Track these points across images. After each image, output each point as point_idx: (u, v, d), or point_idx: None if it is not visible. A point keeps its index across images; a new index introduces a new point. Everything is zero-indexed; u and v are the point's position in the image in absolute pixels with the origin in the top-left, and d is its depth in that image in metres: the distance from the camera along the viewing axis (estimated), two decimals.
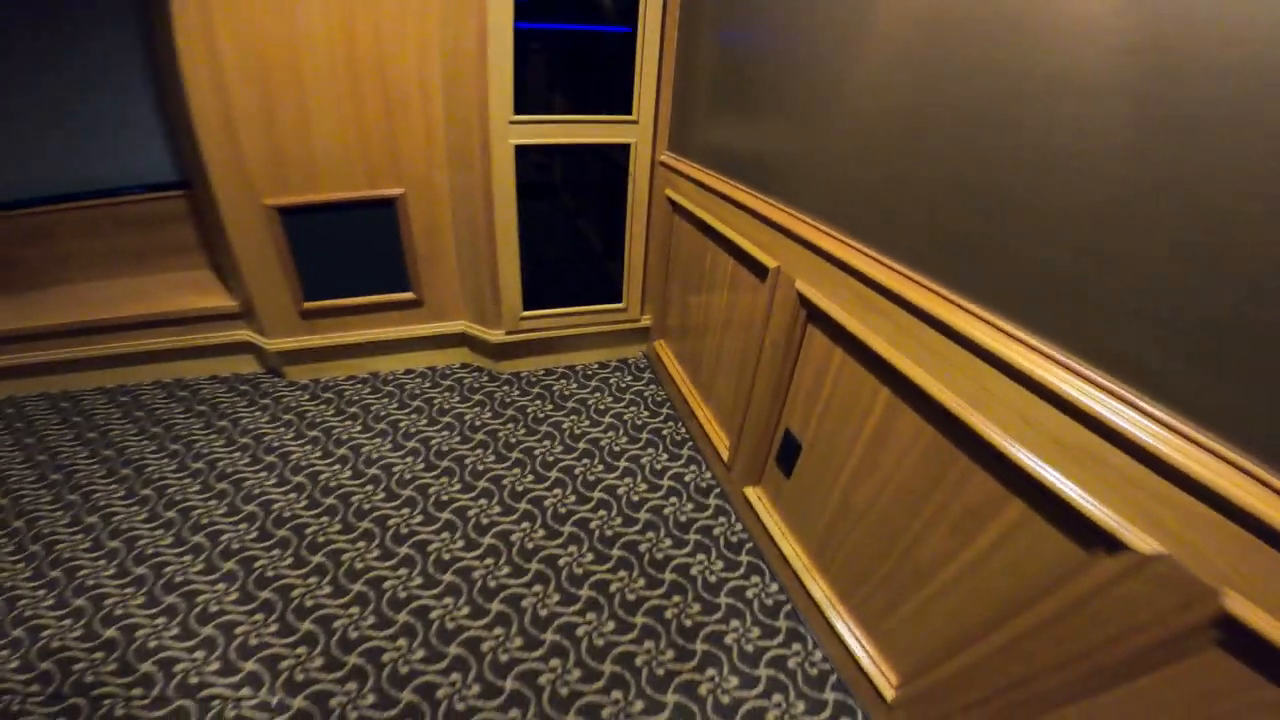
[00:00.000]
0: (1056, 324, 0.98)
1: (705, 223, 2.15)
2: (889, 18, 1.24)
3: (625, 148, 2.55)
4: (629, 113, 2.49)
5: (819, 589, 1.67)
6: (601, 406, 2.66)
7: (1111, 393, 0.89)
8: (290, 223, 2.53)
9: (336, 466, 2.31)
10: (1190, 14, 0.75)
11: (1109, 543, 0.89)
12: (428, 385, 2.78)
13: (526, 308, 2.77)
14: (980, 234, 1.09)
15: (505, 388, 2.78)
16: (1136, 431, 0.84)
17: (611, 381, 2.82)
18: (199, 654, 1.67)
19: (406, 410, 2.63)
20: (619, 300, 2.88)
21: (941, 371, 1.17)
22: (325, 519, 2.09)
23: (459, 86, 2.40)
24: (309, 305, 2.70)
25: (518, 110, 2.39)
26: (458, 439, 2.46)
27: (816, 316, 1.55)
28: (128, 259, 3.14)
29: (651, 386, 2.78)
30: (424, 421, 2.56)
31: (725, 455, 2.14)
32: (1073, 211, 0.92)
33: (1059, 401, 0.95)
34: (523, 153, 2.46)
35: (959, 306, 1.14)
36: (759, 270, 1.80)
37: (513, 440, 2.46)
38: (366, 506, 2.14)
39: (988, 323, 1.08)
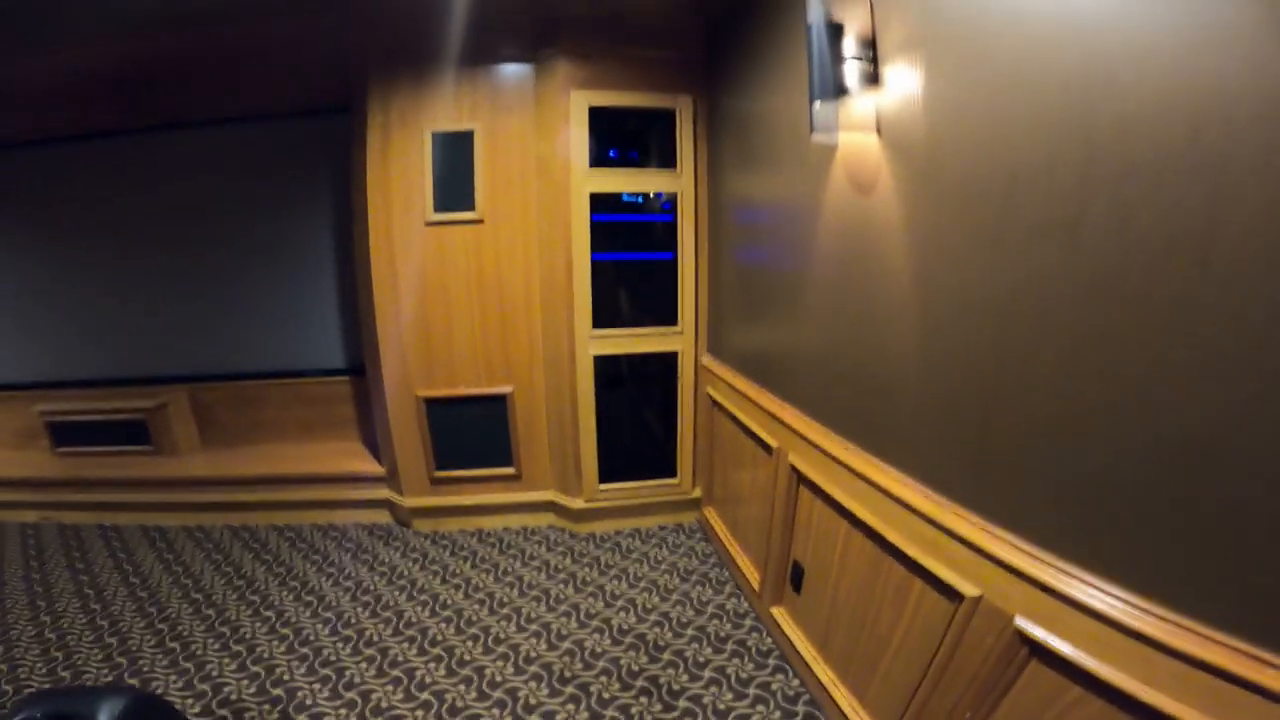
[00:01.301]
0: (909, 462, 1.69)
1: (734, 415, 2.90)
2: (820, 254, 2.08)
3: (674, 354, 3.37)
4: (675, 324, 3.35)
5: (825, 674, 2.15)
6: (659, 557, 3.24)
7: (940, 505, 1.56)
8: (432, 410, 3.41)
9: (451, 591, 2.96)
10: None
11: (954, 594, 1.49)
12: (521, 539, 3.44)
13: (602, 481, 3.46)
14: (868, 411, 1.87)
15: (583, 543, 3.40)
16: (961, 528, 1.48)
17: (668, 540, 3.41)
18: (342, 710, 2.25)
19: (506, 556, 3.28)
20: (674, 475, 3.55)
21: (870, 506, 1.83)
22: (443, 625, 2.71)
23: (553, 304, 3.32)
24: (438, 474, 3.50)
25: (595, 324, 3.27)
26: (544, 576, 3.08)
27: (804, 479, 2.23)
28: (301, 427, 4.11)
29: (702, 543, 3.35)
30: (518, 564, 3.20)
31: (756, 585, 2.68)
32: (910, 393, 1.65)
33: (921, 515, 1.60)
34: (600, 358, 3.29)
35: (870, 463, 1.85)
36: (767, 449, 2.53)
37: (588, 579, 3.05)
38: (474, 617, 2.76)
39: (882, 471, 1.79)
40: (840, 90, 1.77)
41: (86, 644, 2.63)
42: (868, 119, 1.77)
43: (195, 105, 3.61)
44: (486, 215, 3.24)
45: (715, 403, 3.18)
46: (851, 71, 1.76)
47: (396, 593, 2.95)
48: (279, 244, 3.92)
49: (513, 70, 3.17)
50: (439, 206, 3.21)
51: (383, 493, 3.66)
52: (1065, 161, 1.17)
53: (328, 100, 3.50)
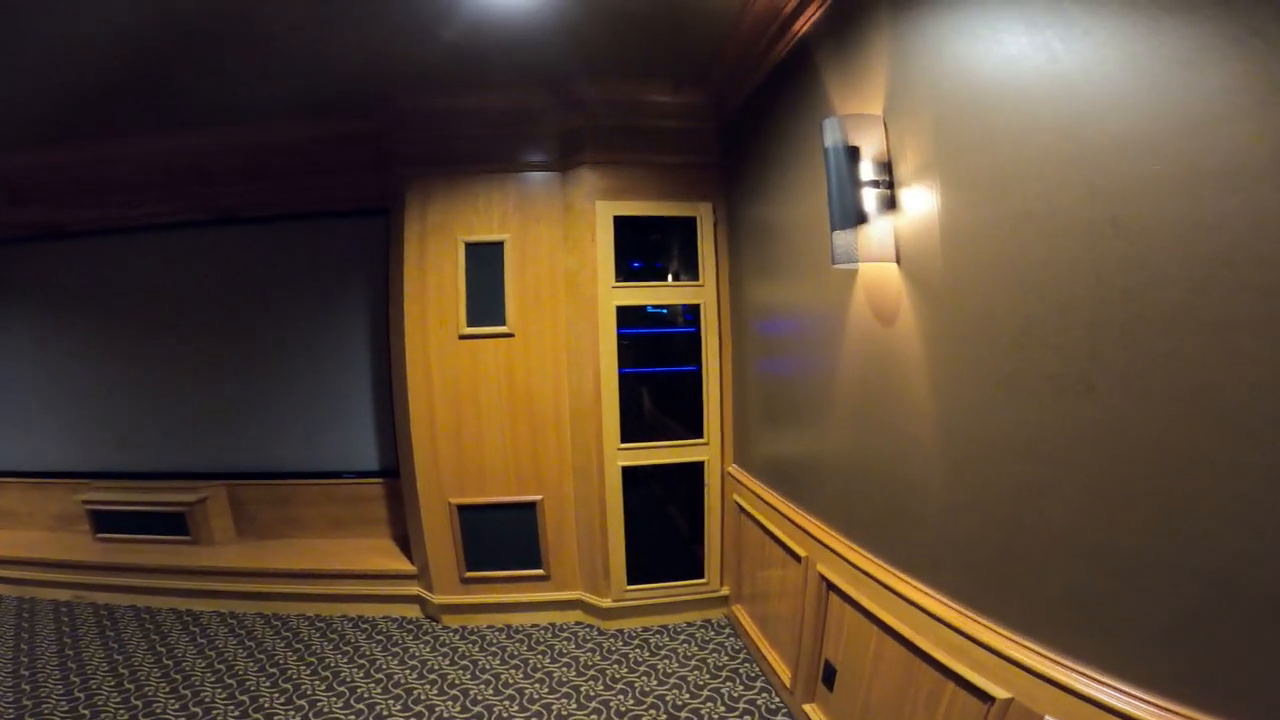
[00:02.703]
0: (935, 578, 1.81)
1: (762, 524, 3.00)
2: (844, 376, 2.22)
3: (701, 464, 3.48)
4: (700, 435, 3.47)
5: None
6: (688, 653, 3.26)
7: (960, 613, 1.68)
8: (464, 515, 3.53)
9: (481, 686, 3.00)
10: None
11: (985, 696, 1.58)
12: (550, 635, 3.48)
13: (630, 582, 3.51)
14: (894, 530, 1.99)
15: (612, 639, 3.42)
16: (988, 637, 1.59)
17: (697, 636, 3.44)
18: None
19: (535, 652, 3.31)
20: (702, 576, 3.59)
21: (900, 615, 1.93)
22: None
23: (582, 417, 3.46)
24: (469, 574, 3.58)
25: (624, 438, 3.39)
26: (573, 673, 3.11)
27: (833, 587, 2.33)
28: (332, 524, 4.23)
29: (731, 639, 3.38)
30: (548, 660, 3.23)
31: (788, 682, 2.71)
32: (934, 517, 1.79)
33: (949, 626, 1.71)
34: (628, 469, 3.41)
35: (898, 576, 1.96)
36: (795, 556, 2.63)
37: (617, 675, 3.08)
38: (504, 713, 2.79)
39: (909, 584, 1.90)
40: (860, 217, 1.85)
41: None
42: (887, 247, 1.84)
43: (245, 202, 3.88)
44: (517, 329, 3.43)
45: (742, 509, 3.27)
46: (869, 197, 1.84)
47: (427, 686, 2.99)
48: (317, 342, 4.16)
49: (541, 178, 3.42)
50: (471, 320, 3.41)
51: (413, 589, 3.72)
52: (1076, 306, 1.27)
53: (368, 202, 3.76)
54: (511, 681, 3.03)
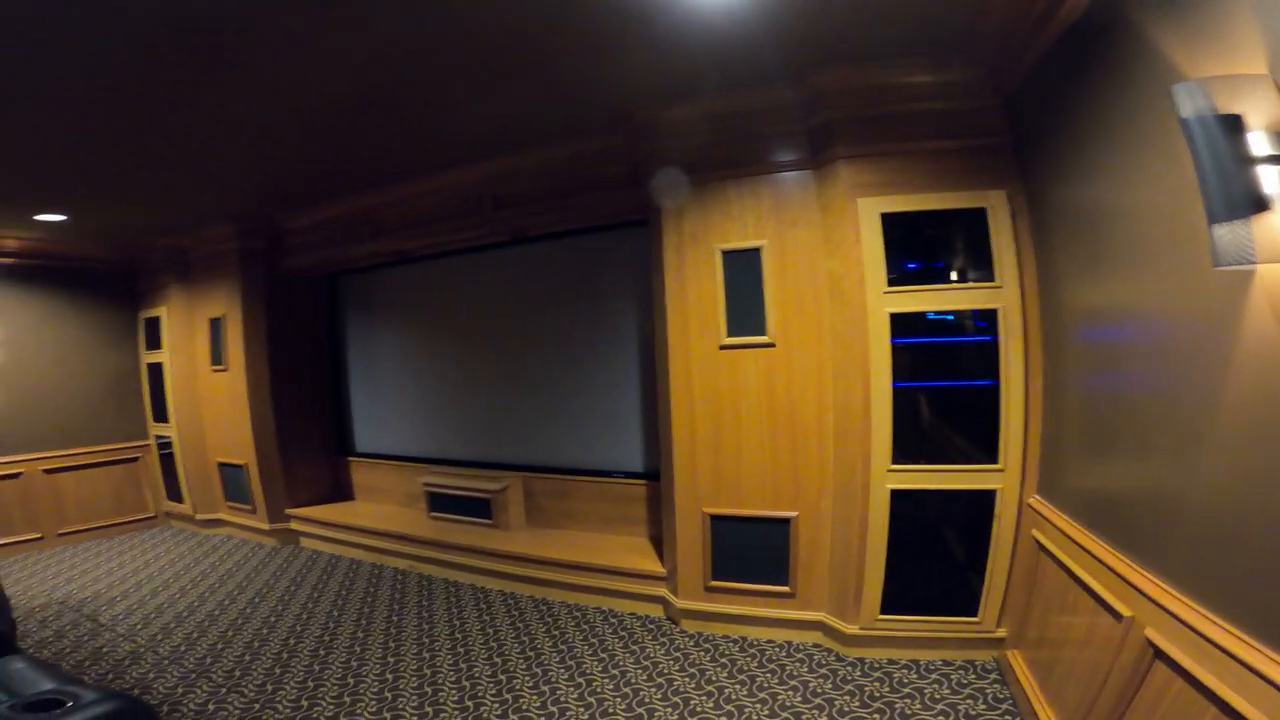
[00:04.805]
0: None
1: (1068, 568, 2.36)
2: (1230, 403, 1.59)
3: (991, 493, 2.89)
4: (995, 461, 2.89)
5: None
6: (936, 696, 2.74)
7: None
8: (716, 525, 3.46)
9: (702, 698, 2.88)
10: None
11: None
12: (782, 655, 3.23)
13: (883, 612, 3.10)
14: None
15: (849, 668, 3.05)
16: None
17: (953, 678, 2.87)
18: None
19: (764, 670, 3.10)
20: (974, 614, 3.01)
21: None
22: None
23: (847, 434, 3.13)
24: (713, 583, 3.50)
25: (895, 459, 2.98)
26: (799, 699, 2.82)
27: (1163, 656, 1.70)
28: (602, 520, 4.52)
29: (995, 686, 2.77)
30: (775, 680, 3.00)
31: None
32: None
33: None
34: (897, 493, 2.99)
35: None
36: (1113, 613, 2.00)
37: (847, 709, 2.71)
38: None
39: None
40: (1255, 204, 1.31)
41: (409, 688, 3.09)
42: None
43: (530, 221, 4.29)
44: (778, 339, 3.27)
45: (1043, 548, 2.64)
46: (1270, 176, 1.30)
47: (653, 690, 2.97)
48: (594, 350, 4.52)
49: (793, 178, 3.23)
50: (731, 330, 3.34)
51: (660, 590, 3.77)
52: None
53: (629, 215, 3.91)
54: (733, 697, 2.87)
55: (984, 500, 2.93)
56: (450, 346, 5.27)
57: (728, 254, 3.34)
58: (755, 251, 3.29)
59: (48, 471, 5.66)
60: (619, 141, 3.64)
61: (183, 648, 3.55)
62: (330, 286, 6.04)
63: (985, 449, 2.92)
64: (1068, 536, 2.41)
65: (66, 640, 3.66)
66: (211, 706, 2.93)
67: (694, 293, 3.42)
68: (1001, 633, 2.99)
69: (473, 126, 3.55)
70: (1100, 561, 2.13)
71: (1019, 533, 2.90)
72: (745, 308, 3.32)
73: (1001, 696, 2.71)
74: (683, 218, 3.43)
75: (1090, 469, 2.39)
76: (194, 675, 3.23)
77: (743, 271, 3.32)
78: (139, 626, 3.85)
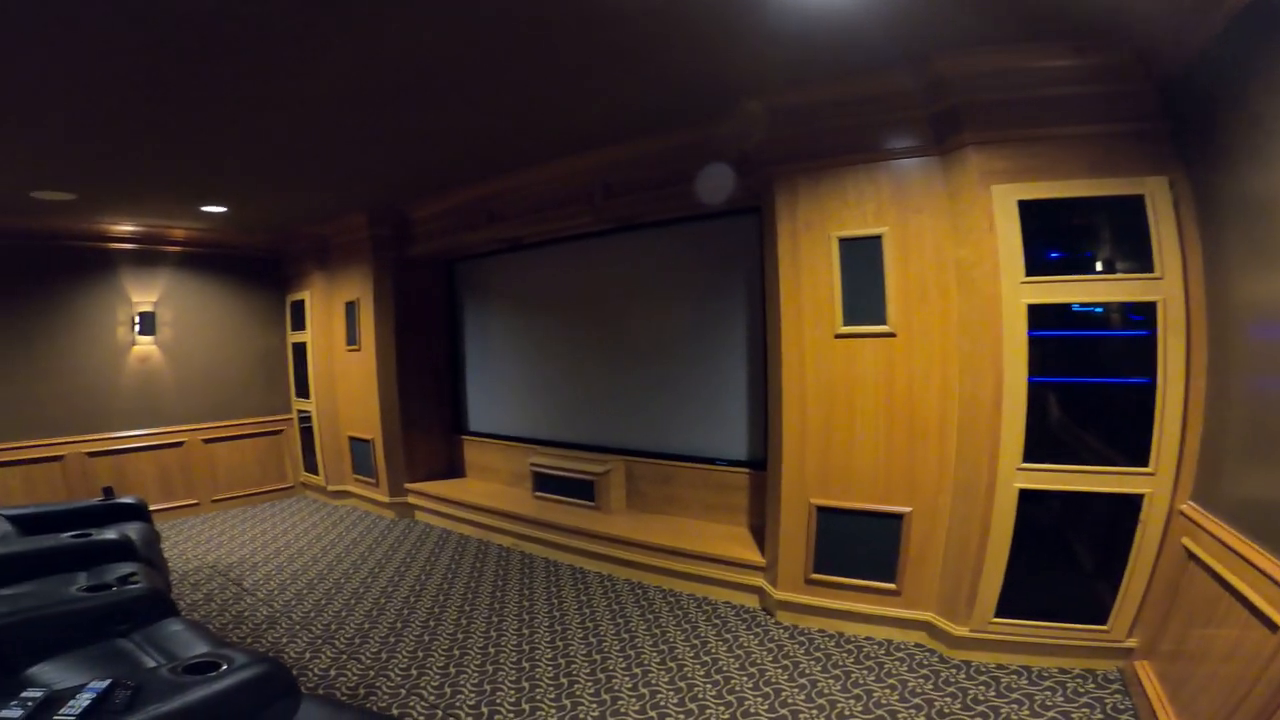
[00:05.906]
0: None
1: (1221, 577, 2.11)
2: None
3: (1138, 498, 2.63)
4: (1144, 464, 2.62)
5: None
6: (1047, 703, 2.56)
7: None
8: (822, 516, 3.34)
9: (794, 690, 2.81)
10: None
11: None
12: (881, 653, 3.08)
13: (997, 614, 2.88)
14: None
15: (953, 670, 2.87)
16: None
17: (1069, 686, 2.66)
18: None
19: (860, 667, 2.96)
20: (1103, 622, 2.76)
21: None
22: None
23: (973, 429, 2.94)
24: (814, 576, 3.38)
25: (1026, 456, 2.76)
26: (896, 698, 2.68)
27: None
28: (703, 507, 4.49)
29: (1117, 697, 2.56)
30: (871, 678, 2.86)
31: None
32: None
33: None
34: (1026, 492, 2.78)
35: None
36: (1270, 625, 1.79)
37: (947, 711, 2.56)
38: None
39: None
40: None
41: (509, 662, 3.17)
42: None
43: (637, 210, 4.30)
44: (899, 328, 3.11)
45: (1193, 555, 2.38)
46: None
47: (745, 679, 2.90)
48: (700, 336, 4.48)
49: (916, 165, 3.07)
50: (848, 319, 3.21)
51: (757, 580, 3.69)
52: None
53: (736, 203, 3.85)
54: (826, 691, 2.77)
55: (1127, 504, 2.67)
56: (558, 331, 5.40)
57: (845, 241, 3.22)
58: (876, 239, 3.15)
59: (206, 441, 6.25)
60: (729, 129, 3.57)
61: (312, 614, 3.81)
62: (449, 273, 6.34)
63: (1131, 450, 2.67)
64: (1224, 545, 2.15)
65: (214, 603, 4.00)
66: (334, 672, 3.12)
67: (808, 280, 3.32)
68: (1132, 643, 2.73)
69: (585, 117, 3.60)
70: (1261, 571, 1.90)
71: (1165, 540, 2.63)
72: (863, 296, 3.19)
73: (1120, 707, 2.50)
74: (796, 205, 3.34)
75: (1259, 476, 2.12)
76: (320, 641, 3.45)
77: (861, 259, 3.19)
78: (276, 592, 4.16)
